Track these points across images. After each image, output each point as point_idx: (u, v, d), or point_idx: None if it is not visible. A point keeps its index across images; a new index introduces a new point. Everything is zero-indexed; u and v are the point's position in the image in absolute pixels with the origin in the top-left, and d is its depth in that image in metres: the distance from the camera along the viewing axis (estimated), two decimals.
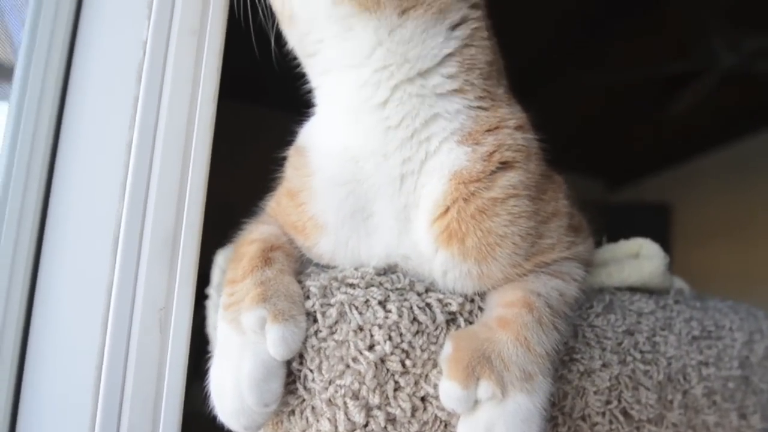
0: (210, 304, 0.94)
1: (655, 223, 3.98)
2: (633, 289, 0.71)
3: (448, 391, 0.46)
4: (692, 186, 3.93)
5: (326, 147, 0.57)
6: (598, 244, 0.75)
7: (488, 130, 0.54)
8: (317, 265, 0.58)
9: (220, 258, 0.92)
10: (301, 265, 0.59)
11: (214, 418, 0.50)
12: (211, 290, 0.92)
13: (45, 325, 0.62)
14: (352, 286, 0.52)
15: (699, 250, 3.74)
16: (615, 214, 3.92)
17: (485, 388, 0.45)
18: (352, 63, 0.53)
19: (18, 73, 0.67)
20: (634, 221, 3.96)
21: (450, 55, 0.54)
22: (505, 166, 0.53)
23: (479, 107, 0.55)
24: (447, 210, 0.52)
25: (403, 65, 0.52)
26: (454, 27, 0.54)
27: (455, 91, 0.54)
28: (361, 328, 0.50)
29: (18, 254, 0.63)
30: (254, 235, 0.59)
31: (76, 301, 0.61)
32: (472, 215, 0.51)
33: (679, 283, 0.83)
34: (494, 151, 0.53)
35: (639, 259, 0.71)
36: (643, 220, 3.99)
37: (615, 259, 0.72)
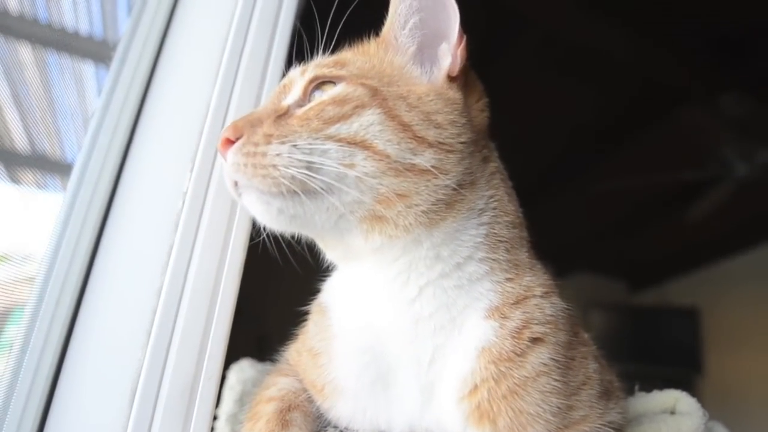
0: (217, 428, 0.90)
1: (684, 328, 3.81)
2: None
3: None
4: (720, 289, 3.81)
5: (350, 314, 0.57)
6: (630, 390, 0.72)
7: (515, 303, 0.53)
8: (336, 427, 0.56)
9: (233, 377, 0.89)
10: (320, 425, 0.57)
11: None
12: (220, 413, 0.88)
13: None
14: None
15: (732, 355, 3.53)
16: (642, 318, 3.78)
17: None
18: (380, 267, 0.54)
19: (75, 174, 0.71)
20: (662, 325, 3.82)
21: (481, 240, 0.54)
22: (535, 341, 0.52)
23: (506, 279, 0.55)
24: (476, 387, 0.50)
25: (435, 265, 0.53)
26: (481, 213, 0.55)
27: (484, 262, 0.54)
28: None
29: (40, 370, 0.63)
30: (272, 391, 0.58)
31: None
32: (503, 395, 0.50)
33: (719, 430, 0.77)
34: (523, 327, 0.52)
35: (675, 416, 0.67)
36: (672, 324, 3.83)
37: (648, 414, 0.68)
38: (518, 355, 0.51)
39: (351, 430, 0.55)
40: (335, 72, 0.56)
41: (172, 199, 0.69)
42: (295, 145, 0.49)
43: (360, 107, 0.52)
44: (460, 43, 0.57)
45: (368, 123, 0.51)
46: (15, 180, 0.85)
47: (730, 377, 3.36)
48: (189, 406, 0.61)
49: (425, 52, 0.59)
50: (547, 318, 0.53)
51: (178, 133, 0.73)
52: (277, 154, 0.49)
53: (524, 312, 0.53)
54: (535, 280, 0.56)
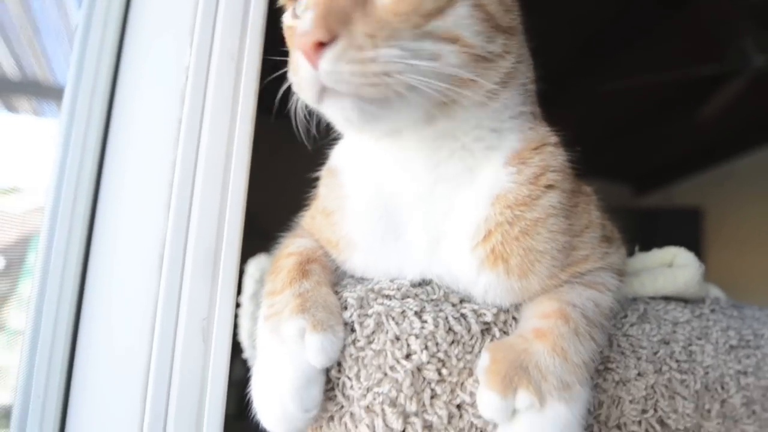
0: (242, 312, 0.97)
1: (687, 228, 3.88)
2: (667, 299, 0.70)
3: (487, 401, 0.47)
4: (725, 190, 3.82)
5: (363, 176, 0.59)
6: (630, 253, 0.75)
7: (535, 149, 0.56)
8: (353, 277, 0.60)
9: (252, 267, 0.95)
10: (337, 277, 0.61)
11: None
12: (243, 299, 0.95)
13: (94, 334, 0.65)
14: (388, 297, 0.54)
15: (733, 254, 3.62)
16: (646, 219, 3.83)
17: (523, 397, 0.46)
18: (417, 139, 0.55)
19: (67, 95, 0.72)
20: (665, 226, 3.89)
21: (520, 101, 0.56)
22: (548, 188, 0.55)
23: (529, 129, 0.57)
24: (490, 233, 0.53)
25: (472, 132, 0.55)
26: (524, 81, 0.57)
27: (513, 118, 0.56)
28: (398, 338, 0.52)
29: (67, 269, 0.67)
30: (291, 248, 0.61)
31: (123, 312, 0.65)
32: (516, 237, 0.53)
33: (714, 291, 0.81)
34: (541, 174, 0.55)
35: (673, 268, 0.71)
36: (674, 224, 3.90)
37: (647, 268, 0.72)
38: (533, 200, 0.54)
39: (366, 278, 0.59)
40: None
41: (175, 75, 0.68)
42: (402, 47, 0.45)
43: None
44: None
45: (461, 16, 0.48)
46: (11, 109, 0.84)
47: (730, 275, 3.47)
48: (214, 268, 0.65)
49: None
50: (559, 166, 0.56)
51: (173, 8, 0.70)
52: (389, 60, 0.44)
53: (542, 159, 0.55)
54: (549, 131, 0.59)
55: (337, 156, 0.64)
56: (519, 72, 0.55)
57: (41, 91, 0.87)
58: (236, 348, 0.87)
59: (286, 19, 0.58)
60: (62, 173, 0.69)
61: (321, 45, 0.43)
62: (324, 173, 0.65)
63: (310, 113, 0.55)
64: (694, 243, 3.79)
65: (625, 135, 3.64)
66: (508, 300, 0.55)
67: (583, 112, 3.28)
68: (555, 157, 0.56)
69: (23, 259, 0.79)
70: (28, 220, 0.78)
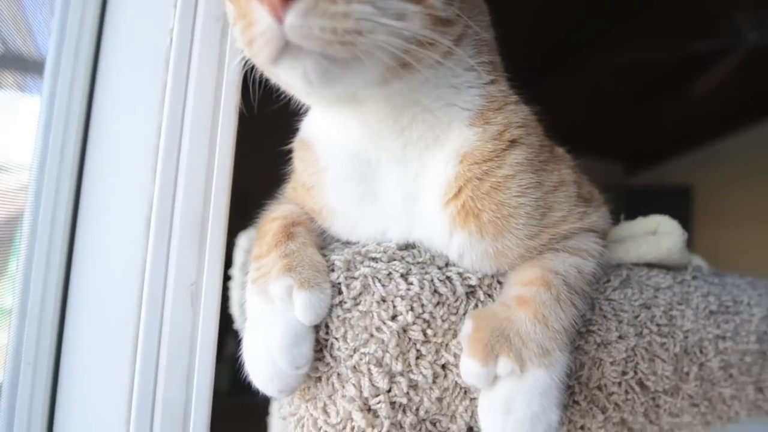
0: (233, 284, 0.97)
1: (676, 206, 3.92)
2: (650, 265, 0.72)
3: (469, 368, 0.48)
4: (714, 168, 3.86)
5: (335, 146, 0.58)
6: (616, 221, 0.76)
7: (497, 109, 0.56)
8: (340, 241, 0.60)
9: (242, 240, 0.95)
10: (324, 241, 0.61)
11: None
12: (234, 271, 0.95)
13: (82, 299, 0.66)
14: (375, 260, 0.55)
15: (721, 232, 3.68)
16: (635, 197, 3.87)
17: (504, 364, 0.47)
18: (377, 105, 0.54)
19: (49, 64, 0.70)
20: (654, 204, 3.92)
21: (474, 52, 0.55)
22: (512, 143, 0.55)
23: (490, 81, 0.56)
24: (460, 190, 0.53)
25: (432, 92, 0.54)
26: (476, 32, 0.55)
27: (469, 70, 0.55)
28: (384, 300, 0.52)
29: (54, 235, 0.67)
30: (276, 213, 0.62)
31: (111, 277, 0.65)
32: (486, 192, 0.53)
33: (697, 260, 0.83)
34: (504, 130, 0.55)
35: (657, 235, 0.72)
36: (664, 202, 3.93)
37: (632, 236, 0.73)
38: (498, 156, 0.54)
39: (352, 242, 0.59)
40: None
41: (159, 38, 0.67)
42: (374, 5, 0.41)
43: None
44: None
45: None
46: None
47: (718, 252, 3.53)
48: (202, 233, 0.65)
49: None
50: (522, 122, 0.56)
51: None
52: (362, 17, 0.41)
53: (504, 117, 0.55)
54: (508, 88, 0.59)
55: (307, 127, 0.63)
56: (470, 29, 0.54)
57: (25, 66, 0.85)
58: (229, 323, 0.88)
59: None
60: (47, 141, 0.68)
61: None
62: (297, 146, 0.64)
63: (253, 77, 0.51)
64: (683, 221, 3.82)
65: (617, 113, 3.64)
66: (487, 267, 0.55)
67: (575, 89, 3.27)
68: (516, 113, 0.56)
69: (12, 238, 0.78)
70: (17, 198, 0.76)
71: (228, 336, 0.88)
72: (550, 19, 2.67)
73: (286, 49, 0.41)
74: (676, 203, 3.95)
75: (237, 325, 0.91)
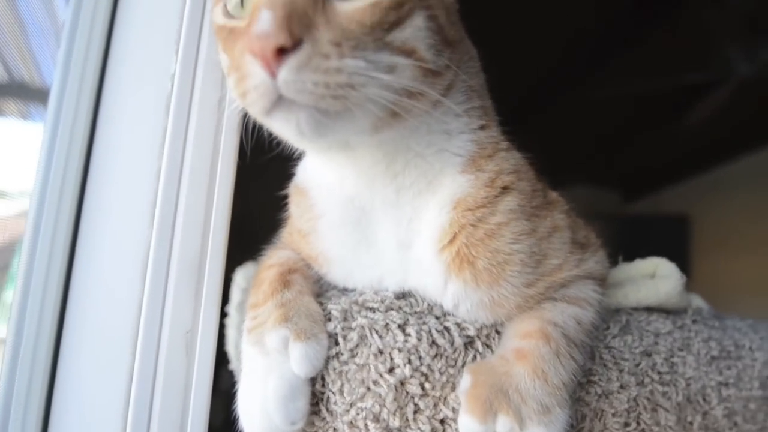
0: (229, 323, 0.96)
1: (673, 235, 3.92)
2: (650, 309, 0.71)
3: (468, 425, 0.47)
4: (712, 197, 3.87)
5: (330, 192, 0.58)
6: (614, 262, 0.76)
7: (489, 156, 0.56)
8: (337, 288, 0.60)
9: (239, 276, 0.94)
10: (321, 287, 0.61)
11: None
12: (230, 308, 0.94)
13: (76, 345, 0.64)
14: (372, 309, 0.54)
15: (720, 262, 3.66)
16: (632, 226, 3.87)
17: (503, 422, 0.46)
18: (369, 151, 0.54)
19: (52, 98, 0.70)
20: (652, 233, 3.93)
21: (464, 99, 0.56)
22: (504, 190, 0.55)
23: (480, 127, 0.57)
24: (454, 237, 0.53)
25: (423, 138, 0.54)
26: (465, 79, 0.56)
27: (459, 117, 0.56)
28: (381, 352, 0.52)
29: (51, 273, 0.66)
30: (272, 260, 0.61)
31: (106, 323, 0.64)
32: (480, 239, 0.53)
33: (696, 301, 0.82)
34: (496, 177, 0.55)
35: (655, 279, 0.71)
36: (661, 231, 3.94)
37: (630, 279, 0.73)
38: (491, 203, 0.54)
39: (349, 289, 0.59)
40: None
41: (160, 82, 0.68)
42: (366, 59, 0.42)
43: (412, 9, 0.46)
44: None
45: (417, 27, 0.46)
46: None
47: (716, 282, 3.52)
48: (198, 280, 0.65)
49: None
50: (513, 168, 0.56)
51: (158, 15, 0.70)
52: (354, 72, 0.41)
53: (496, 164, 0.56)
54: (499, 134, 0.59)
55: (302, 173, 0.63)
56: (459, 77, 0.55)
57: (28, 94, 0.86)
58: (223, 358, 0.86)
59: (217, 17, 0.51)
60: (47, 177, 0.67)
61: (282, 51, 0.39)
62: (292, 191, 0.64)
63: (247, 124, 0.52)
64: (681, 250, 3.84)
65: (614, 142, 3.67)
66: (482, 315, 0.55)
67: (572, 119, 3.31)
68: (507, 160, 0.57)
69: (7, 266, 0.77)
70: (14, 225, 0.76)
71: (223, 370, 0.86)
72: (549, 50, 2.73)
73: (279, 102, 0.42)
74: (674, 233, 3.94)
75: (232, 365, 0.90)
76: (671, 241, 3.88)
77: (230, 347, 0.94)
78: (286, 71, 0.39)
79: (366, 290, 0.58)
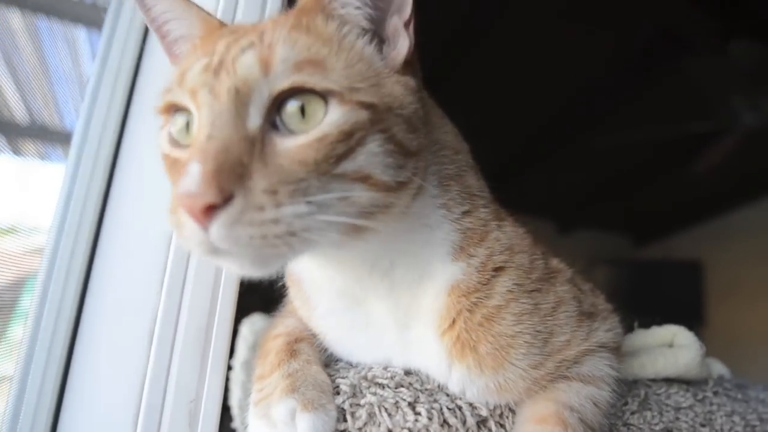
0: (233, 378, 0.94)
1: (686, 281, 3.85)
2: (669, 380, 0.69)
3: None
4: (724, 243, 3.82)
5: (322, 287, 0.57)
6: (629, 328, 0.73)
7: (478, 242, 0.53)
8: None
9: (245, 329, 0.93)
10: (329, 356, 0.60)
11: None
12: (235, 363, 0.92)
13: (77, 414, 0.63)
14: (381, 386, 0.53)
15: (735, 308, 3.57)
16: (645, 271, 3.81)
17: None
18: (351, 256, 0.52)
19: (75, 144, 0.72)
20: (664, 279, 3.87)
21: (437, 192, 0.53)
22: (498, 270, 0.53)
23: (463, 213, 0.54)
24: (454, 321, 0.52)
25: (404, 237, 0.52)
26: (435, 172, 0.53)
27: (438, 209, 0.53)
28: (390, 431, 0.50)
29: (56, 338, 0.66)
30: (279, 329, 0.61)
31: (109, 392, 0.63)
32: (479, 323, 0.51)
33: (717, 367, 0.79)
34: (487, 260, 0.53)
35: (674, 349, 0.69)
36: (674, 277, 3.87)
37: (647, 347, 0.71)
38: (484, 285, 0.52)
39: (355, 363, 0.58)
40: (322, 83, 0.42)
41: None
42: (308, 202, 0.40)
43: (364, 136, 0.43)
44: (412, 18, 0.48)
45: (371, 153, 0.43)
46: (17, 152, 0.86)
47: (732, 329, 3.42)
48: (205, 348, 0.64)
49: (375, 28, 0.49)
50: (505, 246, 0.54)
51: None
52: (294, 219, 0.39)
53: (486, 248, 0.53)
54: (487, 210, 0.55)
55: (295, 264, 0.59)
56: (429, 174, 0.52)
57: (48, 135, 0.88)
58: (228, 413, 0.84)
59: (162, 143, 0.49)
60: (62, 229, 0.68)
61: (212, 207, 0.37)
62: (288, 278, 0.63)
63: None
64: (695, 297, 3.76)
65: (624, 188, 3.68)
66: (491, 399, 0.53)
67: (583, 166, 3.34)
68: (498, 240, 0.54)
69: (16, 303, 0.77)
70: (24, 261, 0.76)
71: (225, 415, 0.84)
72: (560, 97, 2.79)
73: (216, 250, 0.40)
74: (687, 278, 3.87)
75: (236, 424, 0.87)
76: (684, 286, 3.80)
77: (234, 405, 0.92)
78: (217, 227, 0.38)
79: (375, 365, 0.56)
